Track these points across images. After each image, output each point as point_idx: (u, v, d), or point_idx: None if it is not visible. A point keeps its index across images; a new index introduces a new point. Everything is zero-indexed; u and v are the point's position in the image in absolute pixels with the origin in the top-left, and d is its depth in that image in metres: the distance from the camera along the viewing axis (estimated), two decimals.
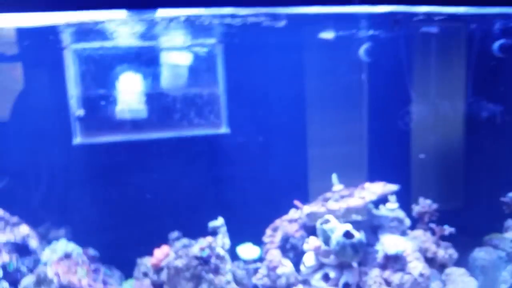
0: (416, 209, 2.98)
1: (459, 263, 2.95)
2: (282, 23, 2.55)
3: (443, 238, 2.93)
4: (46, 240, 2.99)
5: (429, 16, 2.59)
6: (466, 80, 3.07)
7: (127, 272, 2.99)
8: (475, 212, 3.10)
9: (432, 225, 2.92)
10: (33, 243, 2.83)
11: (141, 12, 2.14)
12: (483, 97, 3.07)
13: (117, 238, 3.05)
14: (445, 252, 2.86)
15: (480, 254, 2.99)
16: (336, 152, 3.15)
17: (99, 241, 2.98)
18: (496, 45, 3.03)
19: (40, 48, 2.74)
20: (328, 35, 2.93)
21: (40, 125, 2.90)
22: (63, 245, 2.92)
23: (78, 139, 2.93)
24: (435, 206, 2.96)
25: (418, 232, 2.94)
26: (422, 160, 3.12)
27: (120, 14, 2.10)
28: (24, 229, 2.83)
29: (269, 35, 2.76)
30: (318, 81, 3.14)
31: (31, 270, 2.72)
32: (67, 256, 2.87)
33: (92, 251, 3.01)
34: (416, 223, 2.99)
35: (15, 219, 2.84)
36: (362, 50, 3.19)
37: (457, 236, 2.94)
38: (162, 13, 2.22)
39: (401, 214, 2.91)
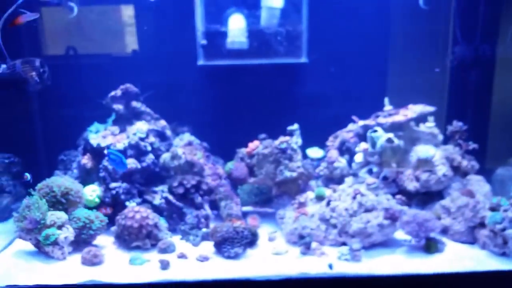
0: (449, 128, 3.71)
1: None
2: None
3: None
4: (174, 133, 4.21)
5: None
6: None
7: (227, 160, 4.04)
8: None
9: (460, 141, 3.65)
10: (168, 132, 3.91)
11: None
12: None
13: (222, 136, 4.15)
14: (468, 162, 3.63)
15: (500, 171, 3.75)
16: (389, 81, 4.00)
17: (210, 137, 4.07)
18: None
19: None
20: None
21: (177, 50, 4.04)
22: (187, 136, 4.09)
23: (201, 61, 4.02)
24: (465, 127, 3.68)
25: (449, 147, 3.69)
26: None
27: None
28: (162, 122, 3.88)
29: None
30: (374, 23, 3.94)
31: (167, 150, 3.86)
32: (190, 143, 4.03)
33: (205, 144, 4.16)
34: (449, 140, 3.74)
35: (157, 115, 3.91)
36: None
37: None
38: None
39: (435, 130, 3.70)
